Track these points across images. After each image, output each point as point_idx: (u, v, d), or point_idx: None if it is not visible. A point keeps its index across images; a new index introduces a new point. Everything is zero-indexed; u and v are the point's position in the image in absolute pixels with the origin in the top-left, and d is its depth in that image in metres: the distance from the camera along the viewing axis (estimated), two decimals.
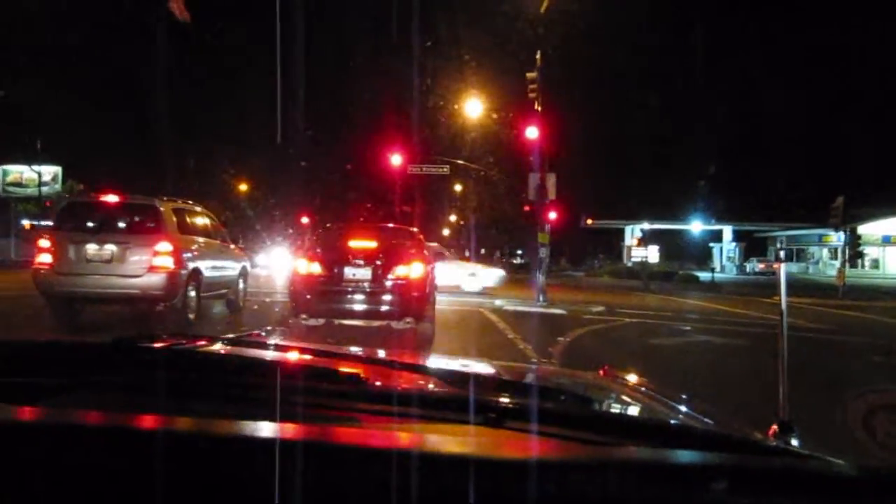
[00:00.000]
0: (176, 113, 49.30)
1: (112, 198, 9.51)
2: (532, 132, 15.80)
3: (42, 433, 0.80)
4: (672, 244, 50.88)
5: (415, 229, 10.79)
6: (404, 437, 0.90)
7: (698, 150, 47.95)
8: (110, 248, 9.01)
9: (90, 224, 9.15)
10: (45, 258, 9.05)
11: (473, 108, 29.55)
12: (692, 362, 8.14)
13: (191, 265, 9.71)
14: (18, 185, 44.71)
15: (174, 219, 9.60)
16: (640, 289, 27.03)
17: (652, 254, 35.08)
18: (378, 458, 0.75)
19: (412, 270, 8.70)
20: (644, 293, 24.66)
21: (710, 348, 9.50)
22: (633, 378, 1.81)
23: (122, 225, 9.33)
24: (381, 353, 1.86)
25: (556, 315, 14.00)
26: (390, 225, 11.96)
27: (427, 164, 36.70)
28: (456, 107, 31.36)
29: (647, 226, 44.02)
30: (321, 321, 8.61)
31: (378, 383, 1.25)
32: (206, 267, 10.31)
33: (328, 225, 11.01)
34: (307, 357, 1.48)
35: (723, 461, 0.77)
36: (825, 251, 51.38)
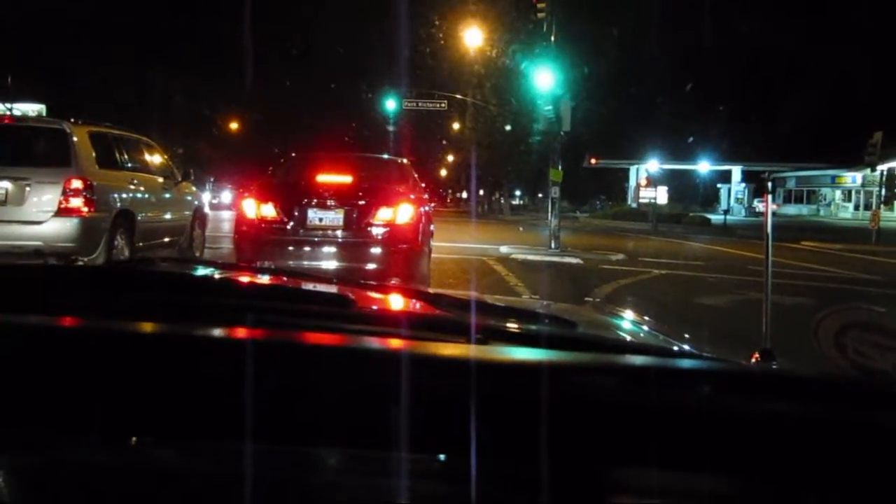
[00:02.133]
0: (160, 47, 47.21)
1: (5, 121, 7.55)
2: (542, 51, 13.68)
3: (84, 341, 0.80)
4: (678, 185, 48.92)
5: (404, 160, 8.45)
6: (395, 342, 0.90)
7: (706, 88, 45.69)
8: (3, 186, 7.02)
9: None
10: None
11: (473, 36, 27.13)
12: (785, 334, 6.24)
13: (117, 207, 7.74)
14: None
15: (91, 147, 7.50)
16: (648, 232, 25.26)
17: (661, 195, 33.26)
18: (368, 360, 0.76)
19: (399, 213, 6.54)
20: (654, 236, 22.84)
21: (783, 310, 7.58)
22: (630, 313, 1.79)
23: (19, 156, 7.24)
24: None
25: (574, 266, 12.10)
26: (372, 155, 9.31)
27: (423, 100, 34.44)
28: (453, 34, 28.92)
29: (656, 165, 42.02)
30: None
31: (368, 305, 1.27)
32: (142, 209, 8.29)
33: (292, 154, 8.53)
34: (296, 280, 1.50)
35: (708, 367, 0.81)
36: (838, 193, 49.40)
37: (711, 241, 20.77)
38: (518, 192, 62.00)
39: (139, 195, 8.36)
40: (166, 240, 9.15)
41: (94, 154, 7.53)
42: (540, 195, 59.64)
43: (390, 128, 42.83)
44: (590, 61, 21.75)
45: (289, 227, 6.54)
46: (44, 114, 46.22)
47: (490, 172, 43.13)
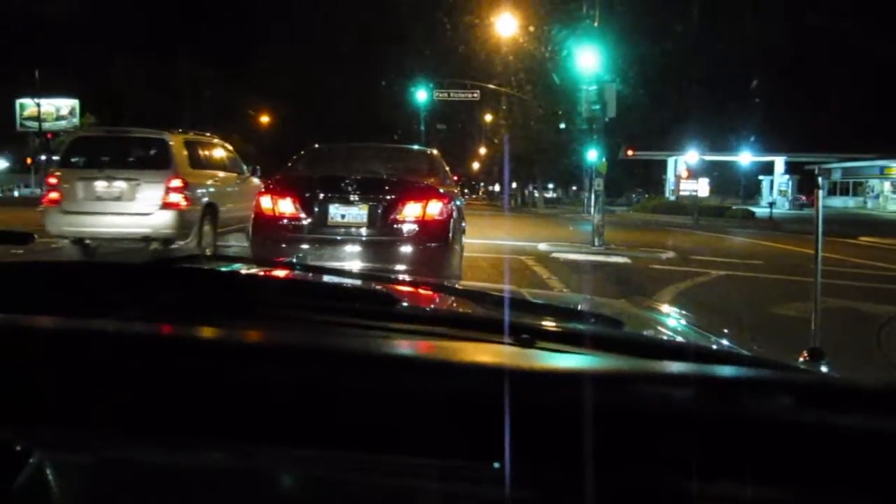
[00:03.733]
0: (193, 42, 46.96)
1: (120, 131, 9.51)
2: (587, 31, 12.61)
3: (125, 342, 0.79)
4: (718, 177, 47.32)
5: (433, 150, 7.76)
6: (431, 346, 0.90)
7: (748, 76, 44.04)
8: (119, 186, 8.65)
9: (98, 160, 8.83)
10: (53, 196, 8.81)
11: (508, 23, 26.06)
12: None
13: (205, 200, 9.27)
14: (35, 119, 43.72)
15: (185, 152, 9.11)
16: (690, 226, 24.11)
17: (702, 187, 32.04)
18: (406, 365, 0.75)
19: (428, 209, 5.97)
20: (698, 231, 21.71)
21: (867, 319, 6.50)
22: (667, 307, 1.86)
23: (131, 160, 8.96)
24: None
25: (622, 267, 11.03)
26: (400, 146, 8.69)
27: (455, 90, 33.48)
28: (487, 21, 27.85)
29: (695, 157, 40.59)
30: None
31: (405, 303, 1.24)
32: (222, 201, 9.77)
33: (315, 145, 7.94)
34: (335, 278, 1.51)
35: (761, 376, 0.77)
36: (887, 184, 47.24)
37: (760, 237, 19.54)
38: (551, 185, 60.83)
39: (220, 189, 9.81)
40: (240, 226, 10.03)
41: (187, 157, 9.03)
42: (574, 188, 58.61)
43: (422, 119, 42.00)
44: (635, 45, 20.63)
45: (309, 224, 6.04)
46: (77, 108, 46.92)
47: (523, 165, 41.96)
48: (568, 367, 0.76)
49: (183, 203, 8.60)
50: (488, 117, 44.40)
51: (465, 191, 59.07)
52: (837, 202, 49.95)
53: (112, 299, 0.98)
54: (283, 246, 6.08)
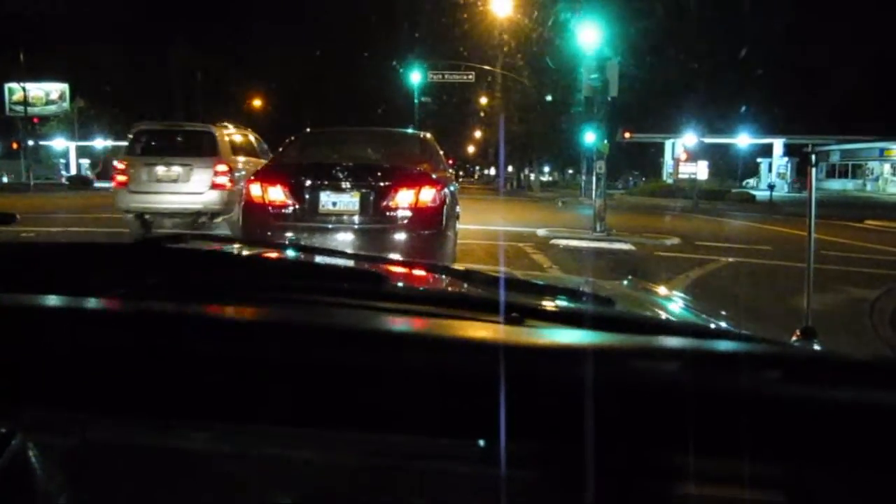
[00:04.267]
0: (184, 24, 46.18)
1: (175, 125, 11.57)
2: (588, 5, 12.01)
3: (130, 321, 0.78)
4: (715, 160, 46.70)
5: (426, 134, 7.56)
6: (421, 322, 0.89)
7: (744, 57, 43.35)
8: (177, 170, 10.22)
9: (157, 148, 10.63)
10: (121, 179, 10.47)
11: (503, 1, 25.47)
12: None
13: (242, 182, 10.67)
14: (23, 103, 42.93)
15: (227, 141, 10.76)
16: (690, 210, 23.61)
17: (701, 170, 31.47)
18: (395, 341, 0.74)
19: (421, 196, 5.80)
20: (700, 215, 21.24)
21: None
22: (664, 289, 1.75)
23: (185, 149, 10.59)
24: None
25: (627, 254, 10.48)
26: (392, 130, 8.44)
27: (450, 71, 32.82)
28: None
29: (693, 139, 40.03)
30: None
31: (395, 282, 1.24)
32: None
33: (307, 130, 7.95)
34: (324, 258, 1.49)
35: (751, 350, 0.76)
36: (887, 166, 46.75)
37: (763, 221, 19.03)
38: (546, 169, 60.20)
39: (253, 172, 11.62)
40: None
41: (229, 146, 10.69)
42: (570, 171, 58.06)
43: (415, 102, 41.34)
44: (633, 23, 20.02)
45: (299, 212, 5.87)
46: (67, 92, 46.17)
47: (519, 148, 41.37)
48: (559, 343, 0.74)
49: (228, 184, 10.13)
50: (483, 100, 43.74)
51: (461, 174, 58.53)
52: (836, 184, 49.48)
53: (95, 278, 0.95)
54: (273, 235, 5.80)
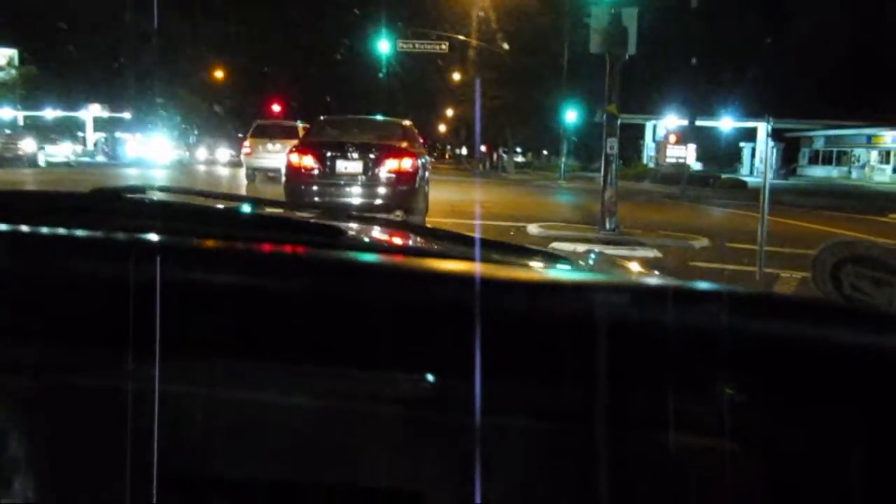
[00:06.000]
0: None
1: (276, 121, 22.46)
2: None
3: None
4: (698, 144, 44.75)
5: (407, 122, 10.64)
6: (389, 257, 0.89)
7: (727, 37, 41.38)
8: (278, 146, 17.50)
9: (267, 134, 19.98)
10: (246, 151, 20.18)
11: None
12: None
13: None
14: None
15: (301, 128, 17.90)
16: (678, 196, 21.56)
17: (690, 154, 29.33)
18: (380, 272, 0.73)
19: (402, 163, 8.94)
20: (698, 204, 19.23)
21: None
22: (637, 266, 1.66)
23: (281, 135, 18.74)
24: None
25: (652, 263, 7.86)
26: (382, 118, 11.46)
27: (421, 41, 30.09)
28: None
29: (675, 121, 37.94)
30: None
31: (356, 235, 1.22)
32: None
33: (321, 118, 11.02)
34: (285, 212, 1.51)
35: (709, 289, 0.76)
36: (874, 154, 45.11)
37: (772, 212, 16.82)
38: (519, 150, 57.75)
39: None
40: None
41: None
42: (545, 152, 55.76)
43: (381, 75, 38.67)
44: None
45: (322, 173, 8.92)
46: (15, 58, 43.13)
47: (494, 125, 38.85)
48: (526, 277, 0.73)
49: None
50: (457, 76, 41.03)
51: (433, 154, 55.97)
52: (820, 171, 47.86)
53: (52, 223, 0.90)
54: (305, 188, 8.90)
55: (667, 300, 0.66)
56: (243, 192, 16.49)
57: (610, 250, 8.35)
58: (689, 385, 0.62)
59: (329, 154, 8.79)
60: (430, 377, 0.64)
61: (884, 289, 1.04)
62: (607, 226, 9.47)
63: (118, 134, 40.87)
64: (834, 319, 0.66)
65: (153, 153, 34.13)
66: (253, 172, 19.49)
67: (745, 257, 8.18)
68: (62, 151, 30.01)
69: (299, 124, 19.20)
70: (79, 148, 34.62)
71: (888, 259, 1.06)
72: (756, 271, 6.72)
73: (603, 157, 9.99)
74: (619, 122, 9.97)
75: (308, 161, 8.86)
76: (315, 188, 8.80)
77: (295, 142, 11.74)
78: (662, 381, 0.62)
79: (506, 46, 29.12)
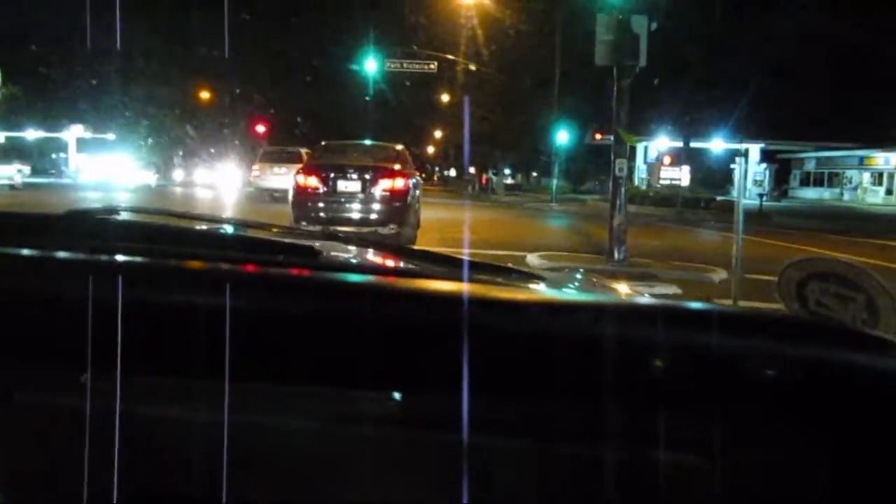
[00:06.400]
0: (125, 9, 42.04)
1: (285, 148, 23.47)
2: None
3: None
4: (691, 166, 44.13)
5: (400, 146, 11.79)
6: (372, 278, 0.87)
7: (719, 61, 40.99)
8: (285, 169, 19.10)
9: (275, 158, 22.14)
10: (256, 174, 22.22)
11: None
12: None
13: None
14: None
15: (304, 154, 18.96)
16: (674, 220, 20.82)
17: (685, 176, 28.65)
18: (365, 293, 0.73)
19: (395, 183, 10.12)
20: (699, 228, 18.46)
21: None
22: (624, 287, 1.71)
23: (287, 160, 20.67)
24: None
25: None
26: (378, 143, 12.74)
27: (409, 60, 29.35)
28: None
29: (666, 143, 37.35)
30: (318, 228, 9.03)
31: (333, 257, 1.22)
32: None
33: (323, 143, 12.26)
34: (262, 233, 1.49)
35: (686, 308, 0.77)
36: (866, 175, 44.61)
37: (769, 236, 15.99)
38: (508, 171, 57.01)
39: None
40: None
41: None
42: (534, 174, 55.06)
43: (367, 98, 37.92)
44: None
45: (325, 192, 10.17)
46: None
47: (484, 147, 38.08)
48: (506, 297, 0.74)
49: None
50: (446, 97, 40.28)
51: (422, 175, 55.09)
52: (811, 193, 47.36)
53: (27, 244, 0.90)
54: (311, 204, 10.17)
55: (641, 319, 0.66)
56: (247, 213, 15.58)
57: (624, 287, 7.50)
58: (661, 402, 0.61)
59: (331, 175, 10.07)
60: (405, 395, 0.63)
61: (848, 304, 1.03)
62: (616, 255, 8.59)
63: (84, 155, 37.36)
64: (801, 337, 0.66)
65: (120, 174, 29.65)
66: (264, 193, 20.99)
67: (772, 291, 7.33)
68: (5, 172, 26.72)
69: (303, 150, 20.68)
70: (26, 168, 29.98)
71: (850, 275, 1.05)
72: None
73: (611, 180, 9.16)
74: (628, 146, 9.10)
75: (313, 181, 10.12)
76: (319, 205, 10.00)
77: (298, 165, 12.88)
78: (634, 397, 0.62)
79: (494, 67, 28.43)
